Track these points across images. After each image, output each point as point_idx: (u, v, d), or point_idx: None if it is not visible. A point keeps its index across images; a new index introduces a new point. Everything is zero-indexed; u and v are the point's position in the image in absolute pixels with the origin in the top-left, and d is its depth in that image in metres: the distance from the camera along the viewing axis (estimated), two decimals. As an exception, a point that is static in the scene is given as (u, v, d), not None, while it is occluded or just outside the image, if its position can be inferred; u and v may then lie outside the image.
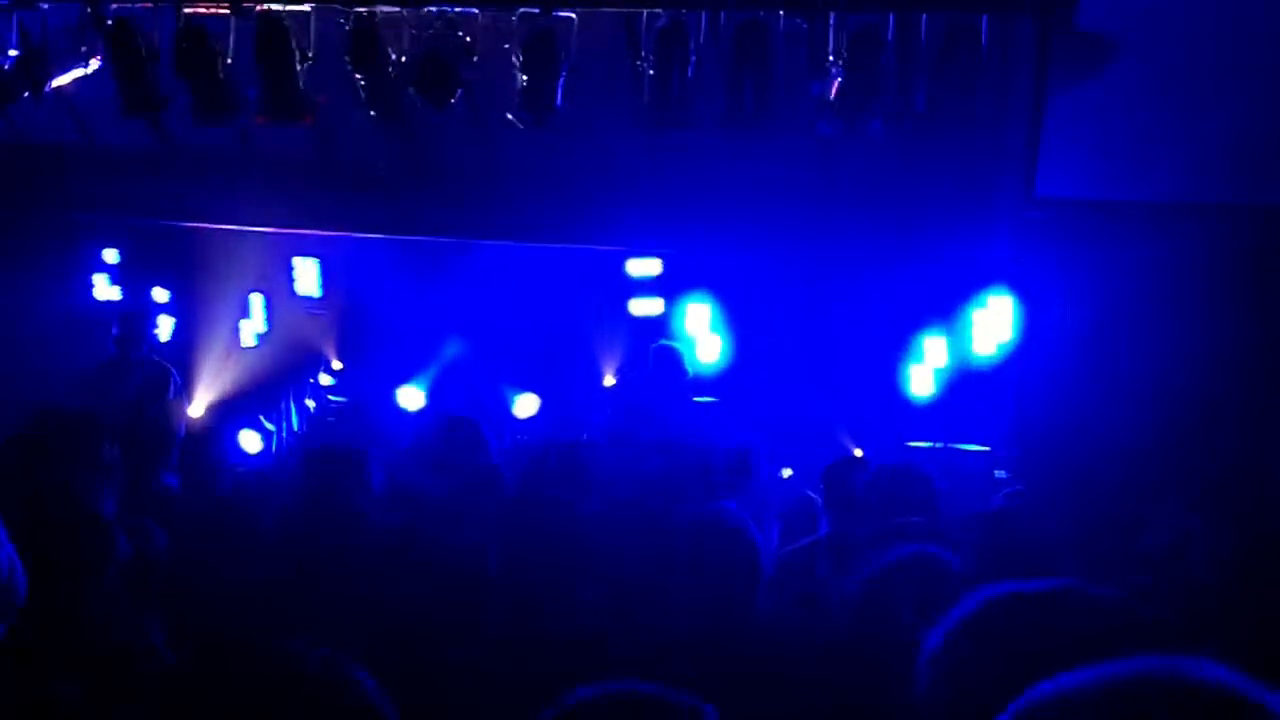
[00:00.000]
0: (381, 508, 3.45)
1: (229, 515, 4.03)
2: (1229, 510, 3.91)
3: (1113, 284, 7.24)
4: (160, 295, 10.34)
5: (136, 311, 8.02)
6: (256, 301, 10.51)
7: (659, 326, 9.52)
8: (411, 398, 10.02)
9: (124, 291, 10.24)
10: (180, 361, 9.31)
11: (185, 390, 8.02)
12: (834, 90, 6.90)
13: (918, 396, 9.08)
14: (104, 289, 10.29)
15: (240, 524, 3.75)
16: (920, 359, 9.14)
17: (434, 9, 7.06)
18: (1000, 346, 8.63)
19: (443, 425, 5.48)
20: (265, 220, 9.49)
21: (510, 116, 7.32)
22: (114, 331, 7.65)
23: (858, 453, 8.60)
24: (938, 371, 9.11)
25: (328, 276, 10.43)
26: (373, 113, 7.35)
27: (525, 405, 9.92)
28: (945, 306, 8.92)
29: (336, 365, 10.48)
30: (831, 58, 6.87)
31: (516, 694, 2.45)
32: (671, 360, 8.62)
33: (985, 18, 6.76)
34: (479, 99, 7.76)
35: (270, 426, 9.75)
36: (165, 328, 10.35)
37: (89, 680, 2.17)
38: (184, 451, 5.78)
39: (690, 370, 8.71)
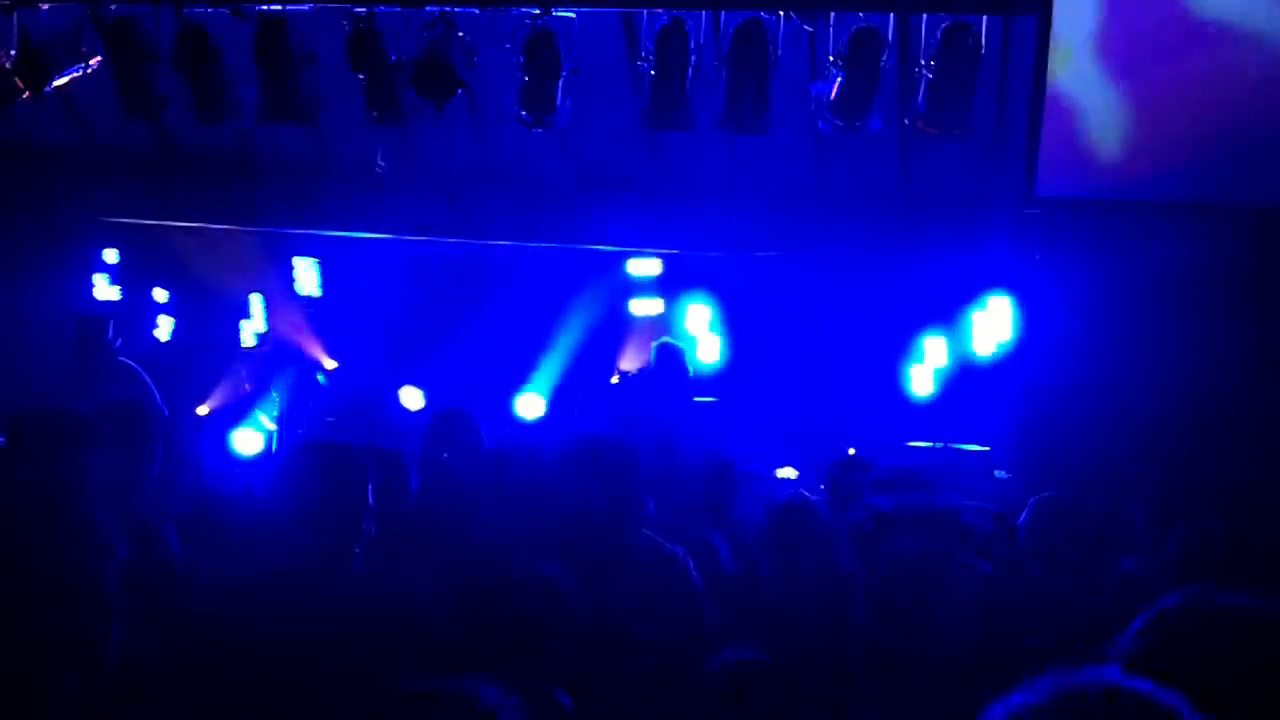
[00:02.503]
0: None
1: (228, 516, 4.03)
2: (1224, 509, 3.92)
3: (1112, 284, 7.24)
4: (160, 295, 10.34)
5: (95, 315, 7.74)
6: (256, 301, 10.50)
7: (659, 326, 9.51)
8: (412, 398, 10.02)
9: (124, 291, 10.23)
10: (180, 361, 9.32)
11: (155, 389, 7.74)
12: (834, 90, 6.90)
13: (918, 396, 9.08)
14: (104, 289, 10.27)
15: (241, 524, 3.75)
16: (920, 359, 9.14)
17: (434, 9, 7.06)
18: (1000, 346, 8.63)
19: (435, 418, 5.46)
20: (265, 220, 9.50)
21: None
22: (74, 337, 7.42)
23: (850, 452, 8.59)
24: (938, 371, 9.11)
25: (327, 276, 10.43)
26: (373, 113, 7.35)
27: (529, 406, 9.91)
28: (945, 306, 8.92)
29: (330, 364, 10.47)
30: (831, 58, 6.87)
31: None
32: (674, 359, 8.61)
33: (985, 18, 6.76)
34: (479, 99, 7.76)
35: (270, 426, 9.75)
36: (165, 328, 10.36)
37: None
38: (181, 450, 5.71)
39: (692, 369, 8.71)
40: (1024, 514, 4.00)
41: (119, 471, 3.54)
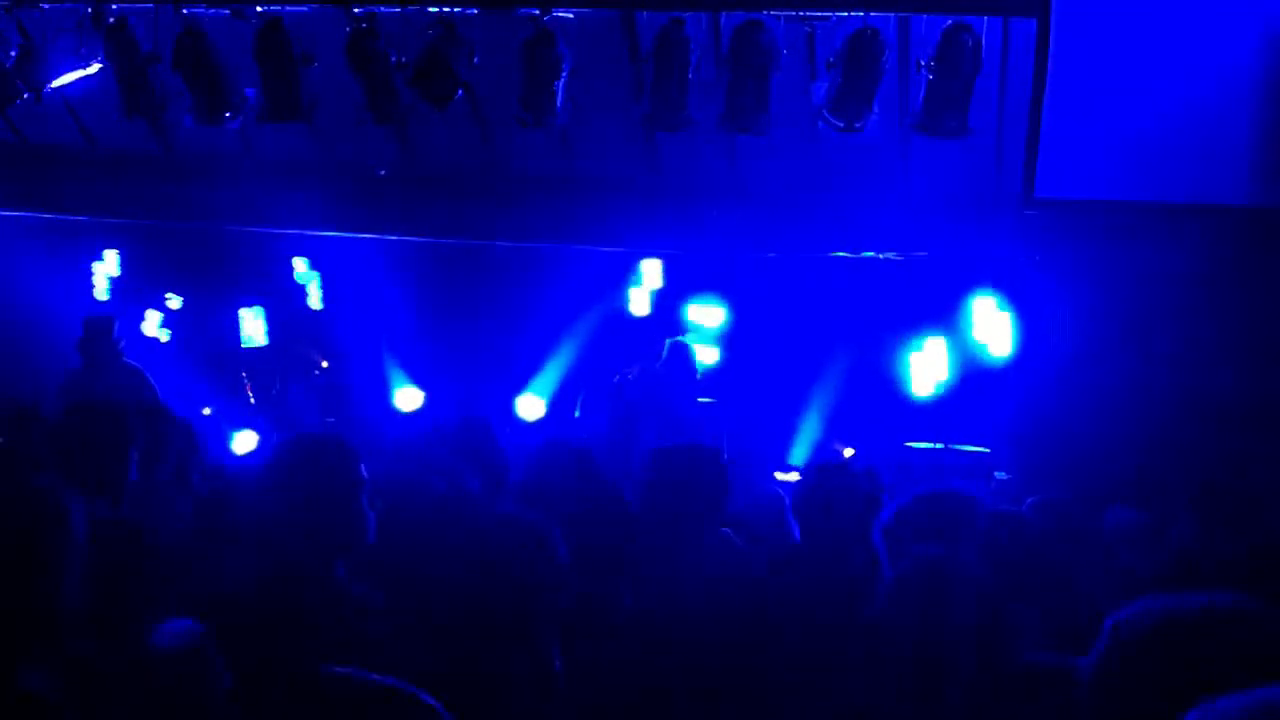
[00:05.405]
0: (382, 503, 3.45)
1: (222, 513, 4.03)
2: (1226, 511, 3.92)
3: (1112, 284, 7.24)
4: (159, 296, 10.34)
5: (99, 316, 7.72)
6: (254, 303, 10.50)
7: (659, 327, 9.51)
8: (410, 398, 10.03)
9: (124, 292, 10.24)
10: (179, 361, 9.31)
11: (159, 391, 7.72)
12: (833, 90, 6.90)
13: (918, 397, 9.08)
14: (104, 290, 10.28)
15: (233, 522, 3.75)
16: (920, 359, 9.14)
17: (434, 9, 7.06)
18: (1000, 347, 8.63)
19: (455, 425, 5.44)
20: (265, 220, 9.50)
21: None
22: (78, 338, 7.41)
23: (848, 452, 8.60)
24: (938, 372, 9.11)
25: (327, 277, 10.43)
26: (372, 113, 7.35)
27: (530, 407, 9.91)
28: (945, 306, 8.92)
29: (324, 364, 10.47)
30: (831, 60, 6.88)
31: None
32: (684, 357, 8.65)
33: (985, 18, 6.77)
34: (479, 99, 7.76)
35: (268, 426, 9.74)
36: (166, 328, 10.36)
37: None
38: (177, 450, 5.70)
39: (700, 370, 8.74)
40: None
41: (102, 470, 3.54)
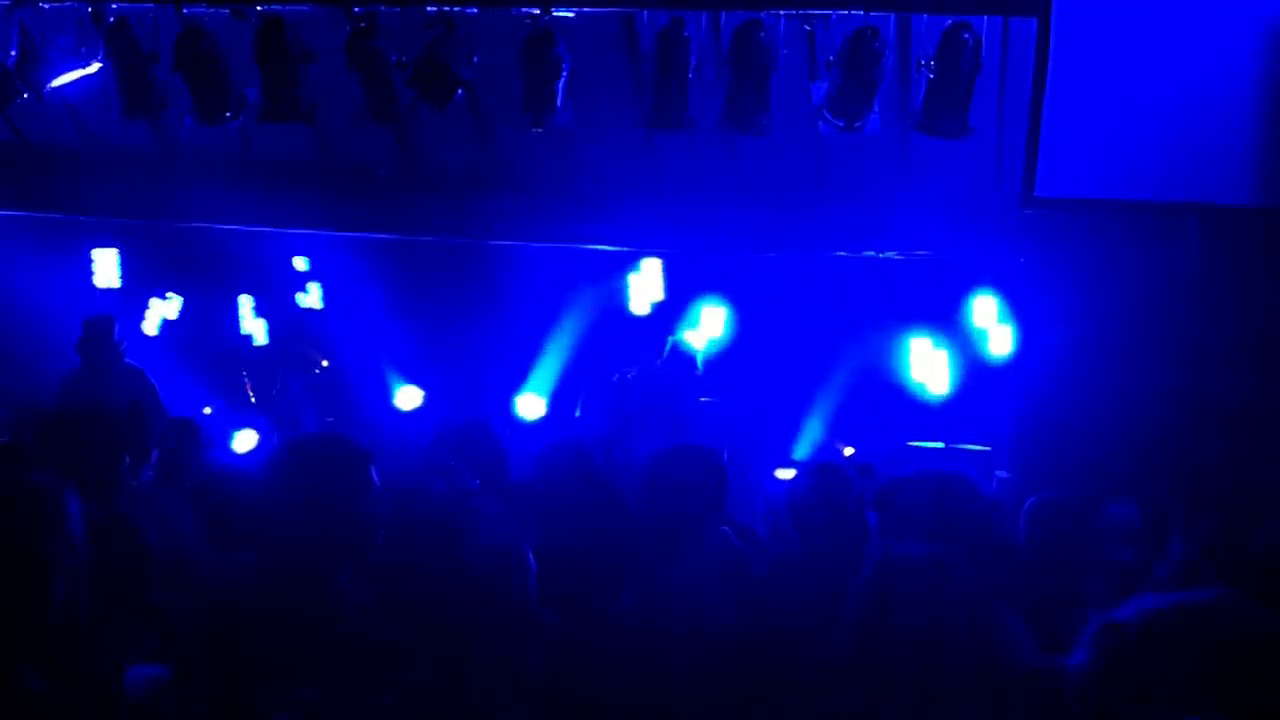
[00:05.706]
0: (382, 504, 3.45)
1: (222, 513, 4.03)
2: (1226, 512, 3.91)
3: (1112, 284, 7.23)
4: (159, 295, 10.34)
5: (100, 317, 7.70)
6: (251, 302, 10.50)
7: (660, 326, 9.52)
8: (409, 398, 10.03)
9: (124, 292, 10.23)
10: (178, 361, 9.32)
11: (158, 392, 7.68)
12: (833, 90, 6.90)
13: (918, 397, 9.08)
14: (103, 290, 10.27)
15: (234, 522, 3.75)
16: (921, 359, 9.14)
17: (434, 8, 7.06)
18: (1000, 346, 8.63)
19: (457, 426, 5.45)
20: (265, 220, 9.50)
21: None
22: (78, 338, 7.39)
23: (848, 452, 8.61)
24: (938, 371, 9.11)
25: (326, 277, 10.43)
26: (372, 113, 7.35)
27: (530, 407, 9.91)
28: (945, 306, 8.92)
29: (324, 363, 10.48)
30: (830, 59, 6.88)
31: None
32: (685, 357, 8.65)
33: (985, 18, 6.77)
34: (479, 99, 7.77)
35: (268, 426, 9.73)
36: (166, 328, 10.36)
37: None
38: (174, 450, 5.70)
39: (701, 369, 8.75)
40: (1021, 516, 4.00)
41: (100, 470, 3.55)
